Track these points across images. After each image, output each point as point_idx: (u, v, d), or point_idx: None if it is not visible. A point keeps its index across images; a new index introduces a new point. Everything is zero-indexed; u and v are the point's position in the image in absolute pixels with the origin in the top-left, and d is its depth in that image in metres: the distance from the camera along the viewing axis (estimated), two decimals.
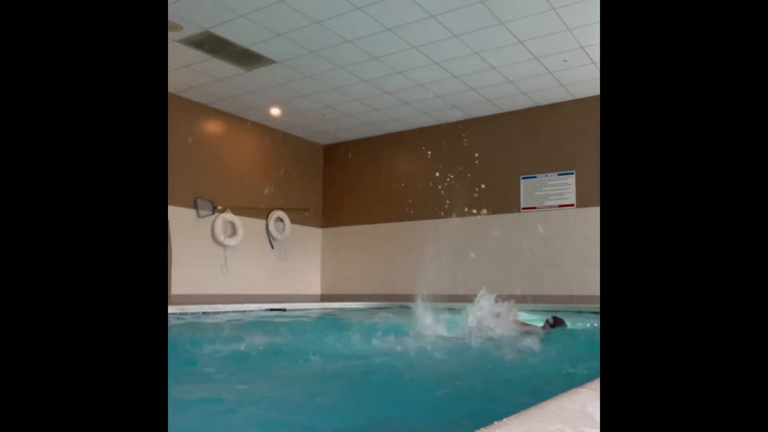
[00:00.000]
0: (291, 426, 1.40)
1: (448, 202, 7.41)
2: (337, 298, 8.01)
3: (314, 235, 8.48)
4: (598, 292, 5.62)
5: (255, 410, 1.55)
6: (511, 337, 3.18)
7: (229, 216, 7.02)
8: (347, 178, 8.47)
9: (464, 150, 7.40)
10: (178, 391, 1.59)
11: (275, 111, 7.18)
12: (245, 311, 5.77)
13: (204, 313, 5.30)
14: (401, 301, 7.21)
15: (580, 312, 4.84)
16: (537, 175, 6.79)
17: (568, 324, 3.95)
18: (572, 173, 6.56)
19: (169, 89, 6.35)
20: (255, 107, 7.06)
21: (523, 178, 6.89)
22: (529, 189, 6.83)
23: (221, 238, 6.88)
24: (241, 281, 7.21)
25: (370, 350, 2.77)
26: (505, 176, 7.02)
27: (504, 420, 0.77)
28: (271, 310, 6.02)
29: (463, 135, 7.43)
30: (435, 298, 6.74)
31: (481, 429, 0.73)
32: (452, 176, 7.45)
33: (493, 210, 7.08)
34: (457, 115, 7.27)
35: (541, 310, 5.64)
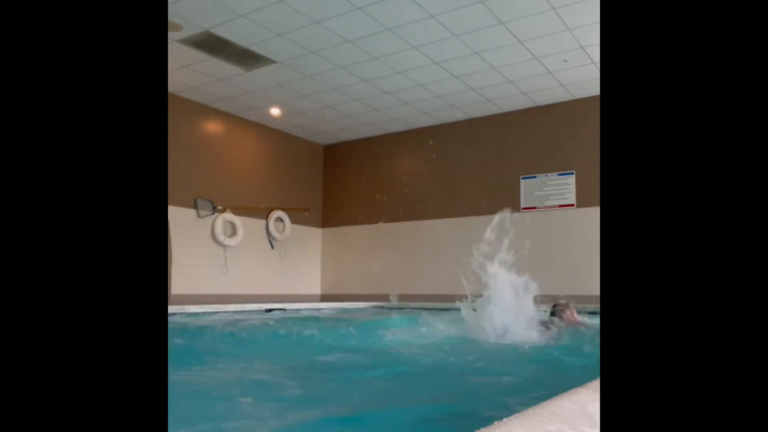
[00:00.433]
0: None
1: (448, 202, 7.42)
2: (337, 298, 8.00)
3: (314, 235, 8.48)
4: (598, 292, 5.62)
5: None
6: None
7: (229, 216, 7.02)
8: (347, 178, 8.47)
9: (464, 150, 7.40)
10: (178, 392, 1.59)
11: (275, 111, 7.18)
12: (245, 311, 5.77)
13: (204, 313, 5.31)
14: (401, 301, 7.21)
15: (580, 312, 4.84)
16: (537, 175, 6.79)
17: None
18: (572, 173, 6.57)
19: (169, 89, 6.35)
20: (255, 107, 7.06)
21: (523, 178, 6.89)
22: (529, 189, 6.84)
23: (221, 238, 6.88)
24: (241, 281, 7.21)
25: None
26: (505, 176, 7.01)
27: (504, 420, 0.77)
28: (271, 310, 6.02)
29: (463, 135, 7.43)
30: (435, 298, 6.74)
31: (481, 429, 0.73)
32: (452, 176, 7.45)
33: (493, 210, 7.07)
34: (457, 115, 7.27)
35: (541, 310, 5.63)
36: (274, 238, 7.66)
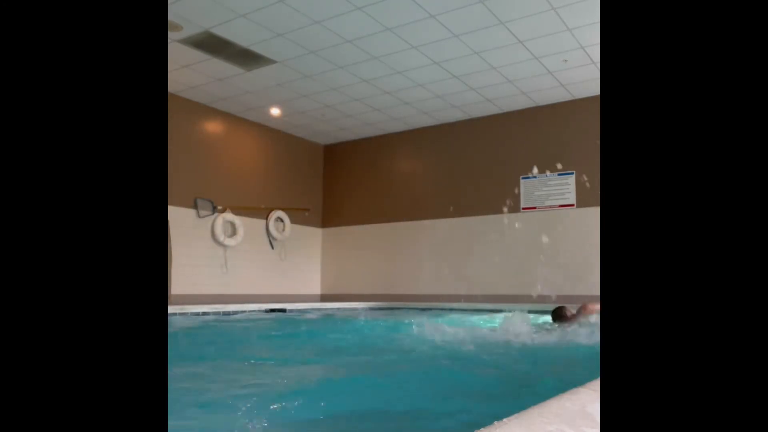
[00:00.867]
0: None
1: (448, 202, 7.42)
2: (337, 298, 8.00)
3: (314, 235, 8.48)
4: (598, 292, 5.64)
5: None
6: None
7: (229, 216, 7.02)
8: (347, 178, 8.47)
9: (464, 150, 7.40)
10: (178, 391, 1.59)
11: (275, 111, 7.18)
12: (245, 311, 5.77)
13: (204, 313, 5.31)
14: (401, 301, 7.22)
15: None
16: (537, 175, 6.79)
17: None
18: (572, 173, 6.57)
19: (169, 89, 6.35)
20: (255, 107, 7.06)
21: (523, 178, 6.89)
22: (529, 189, 6.84)
23: (221, 238, 6.88)
24: (241, 281, 7.21)
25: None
26: (505, 176, 7.02)
27: (504, 420, 0.77)
28: (272, 311, 6.02)
29: (463, 135, 7.43)
30: (436, 298, 6.75)
31: (482, 429, 0.73)
32: (452, 176, 7.45)
33: (493, 210, 7.08)
34: (457, 115, 7.27)
35: (541, 310, 5.64)
36: (274, 238, 7.66)
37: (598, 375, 0.97)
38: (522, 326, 3.40)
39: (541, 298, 6.44)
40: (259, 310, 5.95)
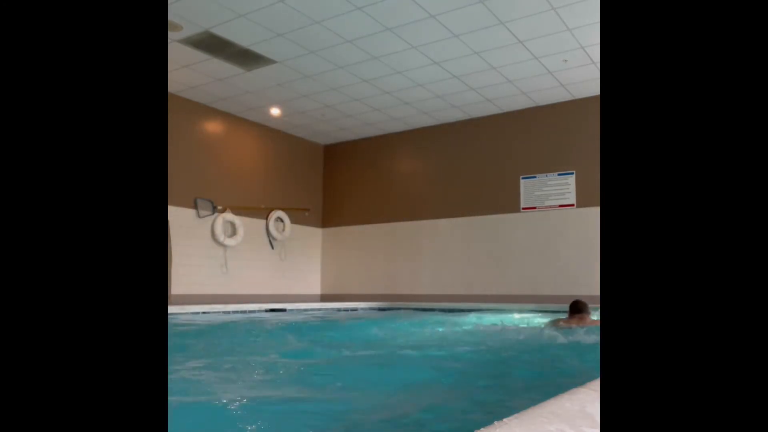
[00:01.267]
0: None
1: (448, 202, 7.42)
2: (337, 298, 8.01)
3: (314, 235, 8.48)
4: (598, 292, 5.64)
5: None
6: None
7: (229, 216, 7.02)
8: (347, 178, 8.47)
9: (464, 150, 7.40)
10: (179, 391, 1.59)
11: (275, 111, 7.18)
12: (245, 311, 5.77)
13: (204, 313, 5.31)
14: (401, 301, 7.22)
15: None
16: (537, 175, 6.79)
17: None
18: (572, 173, 6.57)
19: (169, 89, 6.35)
20: (255, 107, 7.06)
21: (523, 178, 6.89)
22: (529, 189, 6.84)
23: (221, 238, 6.88)
24: (241, 281, 7.21)
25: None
26: (505, 176, 7.02)
27: (504, 420, 0.77)
28: (272, 310, 6.02)
29: (463, 135, 7.43)
30: (436, 298, 6.75)
31: (482, 429, 0.73)
32: (452, 176, 7.45)
33: (493, 210, 7.08)
34: (457, 115, 7.27)
35: (541, 310, 5.64)
36: (274, 238, 7.66)
37: (597, 375, 0.97)
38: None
39: (541, 298, 6.44)
40: (259, 310, 5.96)
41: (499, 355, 2.80)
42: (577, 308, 4.12)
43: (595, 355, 2.68)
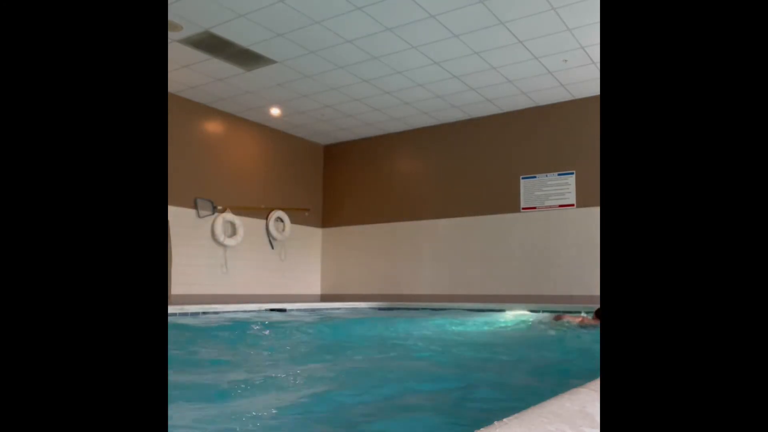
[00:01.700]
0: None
1: (448, 202, 7.41)
2: (337, 298, 8.00)
3: (314, 235, 8.48)
4: (597, 292, 5.65)
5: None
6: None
7: (229, 216, 7.02)
8: (347, 178, 8.47)
9: (464, 150, 7.40)
10: (179, 391, 1.59)
11: (275, 111, 7.18)
12: (245, 311, 5.77)
13: (204, 313, 5.31)
14: (401, 301, 7.22)
15: (579, 312, 4.84)
16: (537, 175, 6.79)
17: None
18: (572, 173, 6.57)
19: (169, 89, 6.35)
20: (255, 107, 7.06)
21: (523, 178, 6.89)
22: (529, 189, 6.84)
23: (221, 238, 6.88)
24: (241, 281, 7.21)
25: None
26: (505, 176, 7.02)
27: (504, 420, 0.77)
28: (272, 310, 6.02)
29: (463, 135, 7.43)
30: (436, 298, 6.76)
31: (482, 429, 0.73)
32: (452, 176, 7.45)
33: (493, 210, 7.08)
34: (457, 115, 7.27)
35: (540, 310, 5.64)
36: (274, 238, 7.66)
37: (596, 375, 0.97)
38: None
39: (541, 298, 6.44)
40: (259, 310, 5.96)
41: (499, 356, 2.81)
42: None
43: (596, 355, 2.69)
